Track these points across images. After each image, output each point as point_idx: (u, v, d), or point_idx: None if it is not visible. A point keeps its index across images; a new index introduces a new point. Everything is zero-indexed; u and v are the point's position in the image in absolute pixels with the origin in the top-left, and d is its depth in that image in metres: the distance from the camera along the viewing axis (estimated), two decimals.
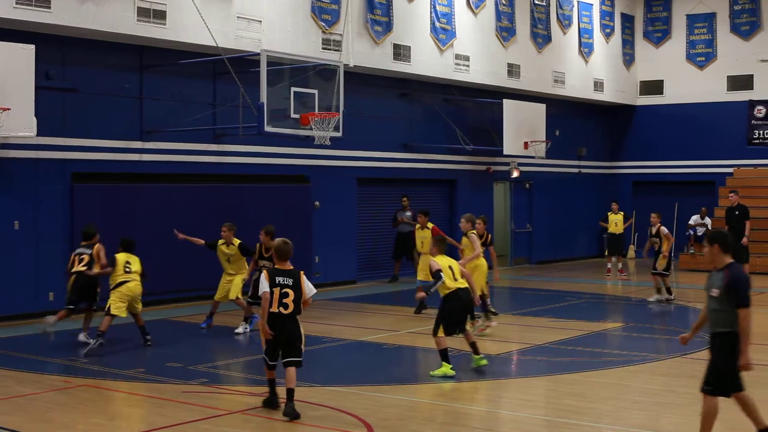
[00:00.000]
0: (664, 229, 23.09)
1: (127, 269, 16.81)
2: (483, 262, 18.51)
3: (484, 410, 12.24)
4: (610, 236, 30.00)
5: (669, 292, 23.06)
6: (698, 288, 25.35)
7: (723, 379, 9.62)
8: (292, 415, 11.32)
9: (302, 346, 11.77)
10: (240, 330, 18.00)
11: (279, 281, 11.56)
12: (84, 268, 16.74)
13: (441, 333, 14.07)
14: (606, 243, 30.78)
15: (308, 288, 11.77)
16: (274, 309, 11.49)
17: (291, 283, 11.58)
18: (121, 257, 16.87)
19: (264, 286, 11.56)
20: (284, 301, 11.49)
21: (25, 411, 11.97)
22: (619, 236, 29.91)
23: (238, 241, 18.41)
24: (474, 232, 18.69)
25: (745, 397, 9.78)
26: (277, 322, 11.53)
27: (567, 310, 21.88)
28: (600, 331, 18.70)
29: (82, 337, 16.96)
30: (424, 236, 20.84)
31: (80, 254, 16.92)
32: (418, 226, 21.31)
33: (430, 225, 20.98)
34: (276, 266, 11.94)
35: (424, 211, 21.69)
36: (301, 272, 11.83)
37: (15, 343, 17.05)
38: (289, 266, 11.78)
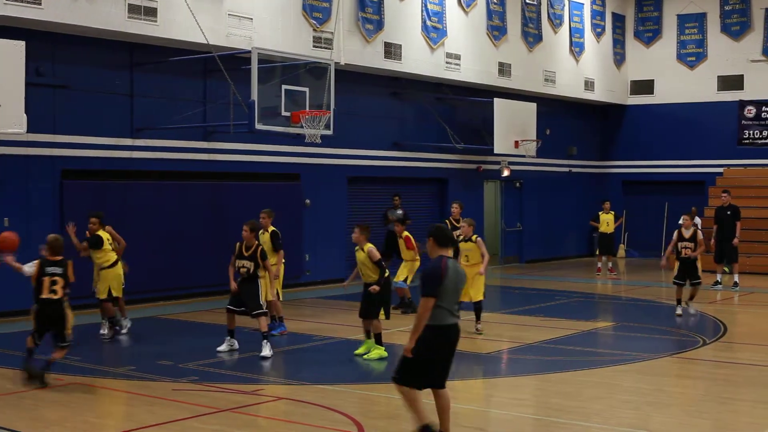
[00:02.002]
0: (701, 234, 21.10)
1: (112, 246, 17.48)
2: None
3: (474, 409, 12.24)
4: (601, 236, 29.94)
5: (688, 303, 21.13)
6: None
7: (410, 369, 9.67)
8: (41, 380, 12.98)
9: (68, 331, 13.29)
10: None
11: (48, 271, 13.14)
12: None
13: (383, 316, 15.51)
14: (597, 242, 30.77)
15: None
16: (45, 295, 13.06)
17: (60, 272, 13.17)
18: (104, 234, 17.30)
19: (30, 270, 13.27)
20: (53, 287, 13.06)
21: (16, 408, 11.94)
22: (610, 236, 29.87)
23: (272, 229, 17.92)
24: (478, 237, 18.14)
25: (443, 397, 9.88)
26: (46, 307, 13.10)
27: (557, 309, 21.91)
28: (590, 330, 18.73)
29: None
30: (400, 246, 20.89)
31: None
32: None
33: (404, 234, 20.71)
34: (48, 258, 13.30)
35: (401, 220, 21.65)
36: (70, 262, 13.42)
37: (6, 340, 17.02)
38: (58, 258, 13.29)
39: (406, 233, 20.68)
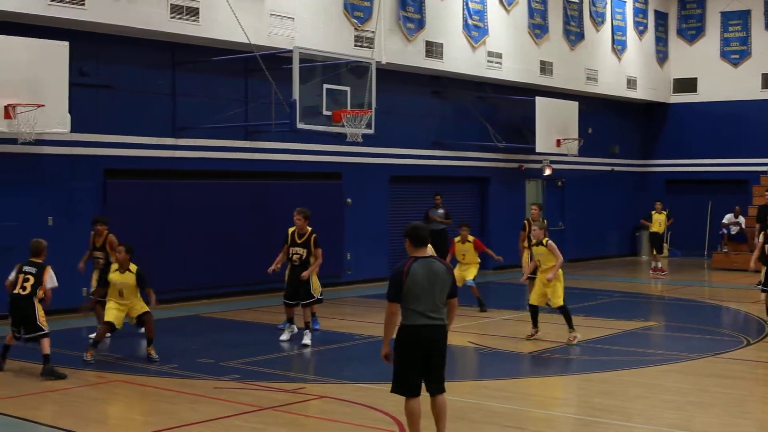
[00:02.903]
0: None
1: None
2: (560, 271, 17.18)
3: (515, 408, 12.20)
4: (652, 235, 29.53)
5: None
6: (732, 287, 25.27)
7: (396, 375, 9.54)
8: (51, 374, 13.50)
9: (40, 323, 13.85)
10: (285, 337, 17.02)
11: (25, 270, 13.99)
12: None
13: None
14: (648, 242, 30.28)
15: (50, 280, 14.08)
16: (17, 291, 13.85)
17: (34, 272, 13.94)
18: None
19: (12, 275, 14.06)
20: (24, 284, 13.86)
21: (59, 405, 12.05)
22: (662, 235, 29.50)
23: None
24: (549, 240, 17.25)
25: (435, 404, 9.62)
26: (15, 301, 13.85)
27: (599, 308, 21.79)
28: (632, 330, 18.60)
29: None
30: (465, 249, 20.70)
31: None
32: (458, 239, 20.97)
33: (471, 238, 20.80)
34: (31, 259, 14.17)
35: (466, 224, 21.40)
36: (48, 267, 14.16)
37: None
38: (38, 260, 14.17)
39: (472, 237, 20.74)
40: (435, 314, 9.44)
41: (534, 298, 17.05)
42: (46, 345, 13.72)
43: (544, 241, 16.90)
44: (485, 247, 21.09)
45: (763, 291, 18.38)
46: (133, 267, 15.20)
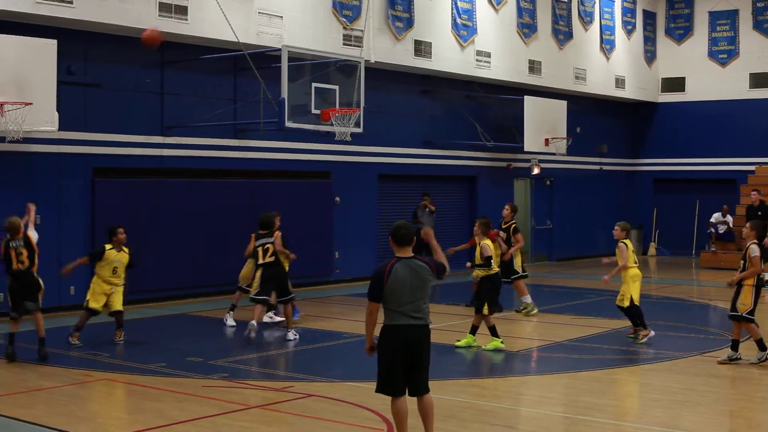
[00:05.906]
0: (754, 250, 14.94)
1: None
2: (637, 272, 17.46)
3: (504, 407, 12.22)
4: None
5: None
6: (720, 286, 25.30)
7: (380, 374, 9.54)
8: (46, 357, 14.52)
9: (40, 296, 14.94)
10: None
11: (12, 245, 14.61)
12: (272, 258, 16.95)
13: (487, 311, 15.80)
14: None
15: (34, 236, 14.93)
16: (15, 267, 14.56)
17: (23, 244, 14.60)
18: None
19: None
20: (20, 258, 14.54)
21: (47, 404, 12.02)
22: None
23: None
24: (626, 241, 17.56)
25: (422, 403, 9.65)
26: (17, 276, 14.63)
27: (587, 307, 21.81)
28: (620, 329, 18.61)
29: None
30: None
31: (263, 244, 17.03)
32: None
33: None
34: (13, 237, 14.68)
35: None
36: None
37: (37, 337, 17.09)
38: (21, 235, 14.68)
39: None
40: (418, 314, 9.42)
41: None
42: (42, 323, 14.86)
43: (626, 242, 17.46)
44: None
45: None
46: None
